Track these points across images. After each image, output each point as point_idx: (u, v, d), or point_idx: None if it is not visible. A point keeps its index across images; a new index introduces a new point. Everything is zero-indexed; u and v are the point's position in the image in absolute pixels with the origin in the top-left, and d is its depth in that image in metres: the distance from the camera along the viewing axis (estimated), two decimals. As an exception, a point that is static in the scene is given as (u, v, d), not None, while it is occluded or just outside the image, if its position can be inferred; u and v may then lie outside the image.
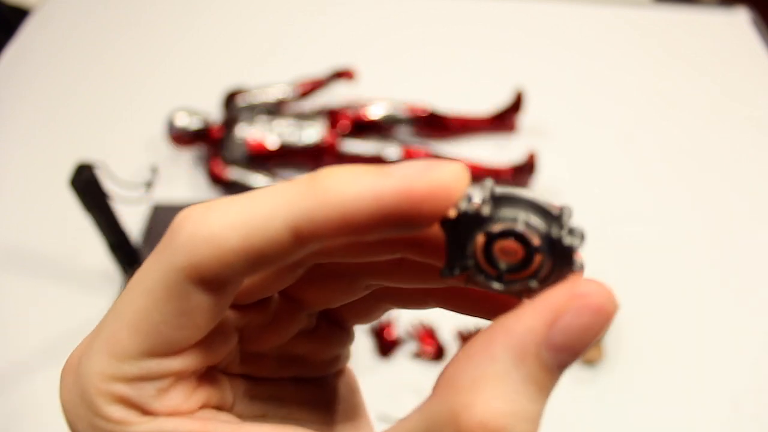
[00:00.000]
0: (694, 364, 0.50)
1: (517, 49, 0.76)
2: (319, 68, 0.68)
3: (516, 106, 0.63)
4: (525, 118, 0.66)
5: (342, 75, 0.66)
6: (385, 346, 0.50)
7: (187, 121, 0.59)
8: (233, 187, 0.58)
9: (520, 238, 0.14)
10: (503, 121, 0.64)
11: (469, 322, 0.51)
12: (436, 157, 0.59)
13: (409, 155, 0.59)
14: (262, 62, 0.74)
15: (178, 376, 0.15)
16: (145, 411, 0.15)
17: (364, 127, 0.61)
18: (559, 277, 0.15)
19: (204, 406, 0.16)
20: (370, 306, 0.19)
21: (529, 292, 0.15)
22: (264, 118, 0.60)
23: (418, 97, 0.65)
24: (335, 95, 0.67)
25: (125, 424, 0.15)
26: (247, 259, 0.14)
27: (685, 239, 0.58)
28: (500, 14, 0.80)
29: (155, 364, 0.15)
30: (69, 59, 0.75)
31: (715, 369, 0.49)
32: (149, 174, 0.43)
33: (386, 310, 0.19)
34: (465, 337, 0.51)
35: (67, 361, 0.17)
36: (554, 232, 0.14)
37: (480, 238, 0.15)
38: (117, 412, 0.15)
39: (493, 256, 0.15)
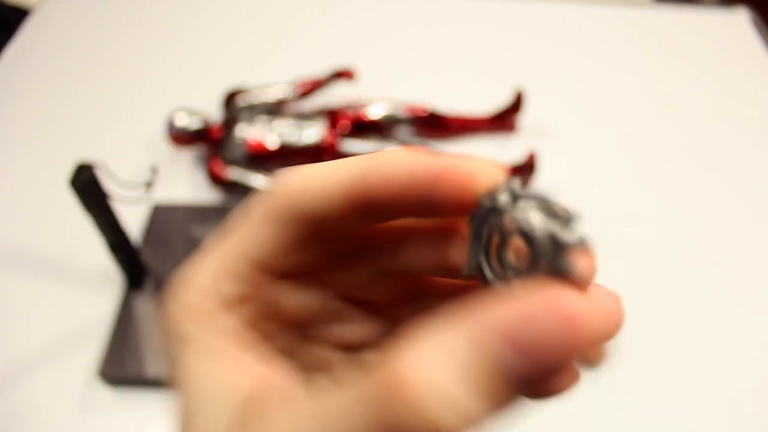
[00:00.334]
0: (694, 364, 0.50)
1: (517, 49, 0.76)
2: (319, 68, 0.68)
3: (516, 106, 0.63)
4: (525, 118, 0.66)
5: (342, 75, 0.66)
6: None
7: (187, 121, 0.59)
8: (233, 187, 0.58)
9: (527, 237, 0.14)
10: (503, 121, 0.64)
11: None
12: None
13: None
14: (262, 62, 0.74)
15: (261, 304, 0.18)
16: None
17: (364, 127, 0.61)
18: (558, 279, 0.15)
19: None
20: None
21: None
22: (264, 118, 0.60)
23: (418, 97, 0.65)
24: (335, 95, 0.67)
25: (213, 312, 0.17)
26: (331, 200, 0.18)
27: (685, 239, 0.58)
28: (500, 14, 0.80)
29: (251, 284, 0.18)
30: (69, 59, 0.75)
31: (715, 369, 0.49)
32: (149, 174, 0.43)
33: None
34: None
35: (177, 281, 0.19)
36: (561, 235, 0.14)
37: (493, 235, 0.15)
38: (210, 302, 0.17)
39: (505, 256, 0.15)
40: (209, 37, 0.77)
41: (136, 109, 0.69)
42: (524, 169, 0.59)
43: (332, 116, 0.60)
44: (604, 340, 0.13)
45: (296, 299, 0.19)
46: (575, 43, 0.77)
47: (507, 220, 0.15)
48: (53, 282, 0.54)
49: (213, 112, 0.65)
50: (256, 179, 0.58)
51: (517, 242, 0.15)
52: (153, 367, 0.47)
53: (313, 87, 0.65)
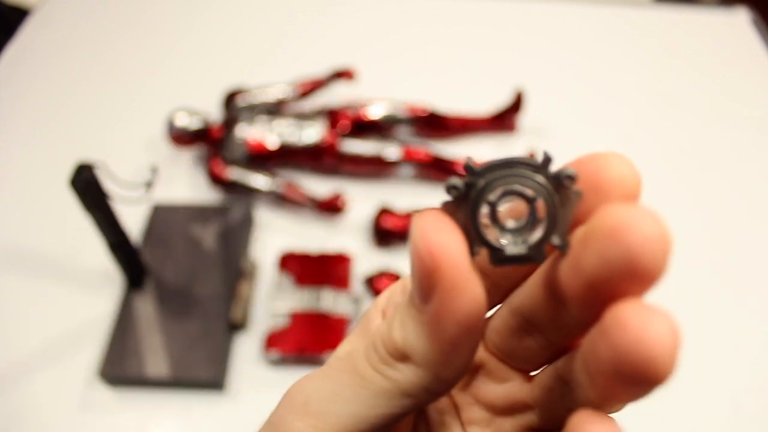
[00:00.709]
0: (694, 364, 0.50)
1: (517, 49, 0.76)
2: (319, 68, 0.68)
3: (516, 106, 0.63)
4: (525, 118, 0.66)
5: (342, 75, 0.66)
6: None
7: (187, 121, 0.59)
8: (233, 187, 0.58)
9: (518, 193, 0.15)
10: (503, 121, 0.64)
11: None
12: (438, 159, 0.59)
13: (409, 155, 0.59)
14: (262, 62, 0.74)
15: None
16: None
17: (364, 127, 0.61)
18: (568, 218, 0.15)
19: None
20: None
21: (560, 252, 0.15)
22: (264, 118, 0.60)
23: (418, 97, 0.65)
24: (335, 95, 0.67)
25: None
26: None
27: (685, 239, 0.58)
28: (500, 14, 0.80)
29: None
30: (69, 59, 0.75)
31: (715, 369, 0.49)
32: (149, 174, 0.43)
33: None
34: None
35: None
36: (543, 174, 0.15)
37: (482, 209, 0.15)
38: None
39: (502, 224, 0.16)
40: (209, 37, 0.77)
41: (136, 109, 0.69)
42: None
43: (332, 116, 0.60)
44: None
45: None
46: (575, 43, 0.77)
47: (490, 192, 0.15)
48: (53, 282, 0.54)
49: (213, 112, 0.65)
50: (256, 179, 0.58)
51: (507, 206, 0.16)
52: (153, 367, 0.47)
53: (313, 87, 0.65)
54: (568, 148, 0.64)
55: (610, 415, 0.14)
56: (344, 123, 0.60)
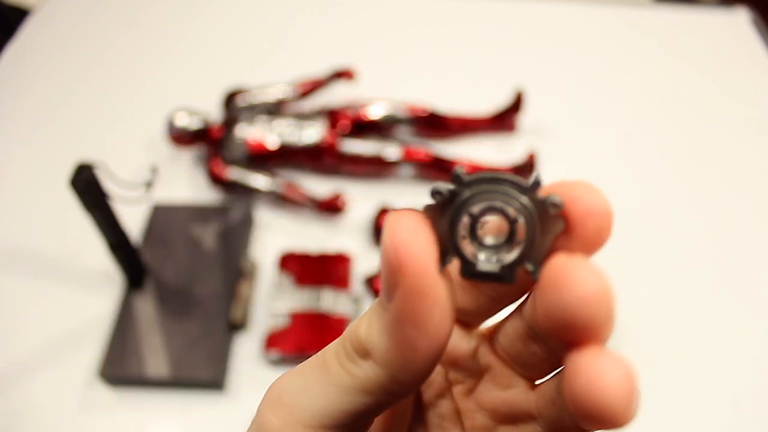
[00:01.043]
0: (694, 364, 0.50)
1: (517, 49, 0.76)
2: (319, 68, 0.68)
3: (516, 106, 0.63)
4: (525, 118, 0.66)
5: (342, 75, 0.66)
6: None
7: (187, 121, 0.59)
8: (233, 187, 0.58)
9: (500, 211, 0.15)
10: (503, 121, 0.64)
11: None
12: (437, 159, 0.59)
13: (409, 155, 0.59)
14: (262, 62, 0.74)
15: None
16: None
17: (364, 127, 0.61)
18: (546, 245, 0.15)
19: None
20: None
21: (531, 277, 0.15)
22: (264, 118, 0.60)
23: (418, 97, 0.65)
24: (335, 95, 0.67)
25: None
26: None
27: (685, 239, 0.58)
28: (500, 14, 0.80)
29: None
30: (69, 59, 0.75)
31: (715, 369, 0.49)
32: (149, 174, 0.43)
33: None
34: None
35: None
36: (529, 197, 0.15)
37: (462, 221, 0.15)
38: None
39: (479, 239, 0.16)
40: (209, 37, 0.77)
41: (136, 109, 0.69)
42: (524, 169, 0.59)
43: (332, 116, 0.60)
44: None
45: (461, 342, 0.19)
46: (575, 43, 0.77)
47: (473, 205, 0.15)
48: (53, 282, 0.54)
49: (213, 112, 0.65)
50: (256, 179, 0.58)
51: (488, 221, 0.15)
52: (153, 367, 0.47)
53: (313, 87, 0.65)
54: (568, 148, 0.64)
55: None
56: (344, 123, 0.60)
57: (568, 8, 0.81)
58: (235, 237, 0.54)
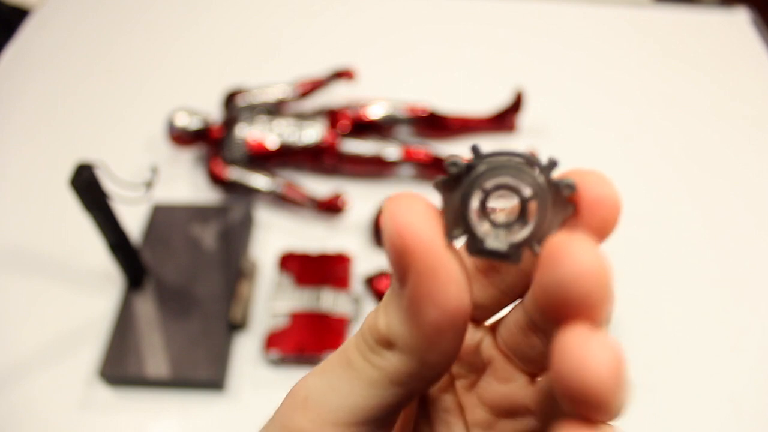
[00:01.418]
0: (694, 364, 0.50)
1: (517, 49, 0.76)
2: (319, 68, 0.68)
3: (516, 106, 0.63)
4: (525, 118, 0.66)
5: (342, 75, 0.66)
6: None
7: (187, 121, 0.59)
8: (233, 187, 0.58)
9: (513, 188, 0.15)
10: (503, 121, 0.64)
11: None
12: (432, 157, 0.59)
13: (409, 155, 0.59)
14: (262, 62, 0.74)
15: None
16: None
17: (364, 127, 0.61)
18: (553, 228, 0.15)
19: None
20: None
21: (534, 254, 0.15)
22: (264, 118, 0.60)
23: (418, 97, 0.65)
24: (335, 95, 0.67)
25: None
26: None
27: (686, 239, 0.58)
28: (500, 14, 0.80)
29: None
30: (69, 59, 0.75)
31: (715, 369, 0.49)
32: (149, 174, 0.43)
33: None
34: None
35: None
36: (544, 177, 0.15)
37: (475, 195, 0.15)
38: None
39: (489, 216, 0.15)
40: (209, 37, 0.77)
41: (136, 109, 0.69)
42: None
43: (332, 116, 0.61)
44: None
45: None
46: (575, 43, 0.77)
47: (486, 180, 0.15)
48: (53, 282, 0.54)
49: (213, 112, 0.65)
50: (256, 179, 0.58)
51: (500, 198, 0.15)
52: (153, 367, 0.47)
53: (313, 87, 0.65)
54: (568, 148, 0.64)
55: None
56: (344, 123, 0.60)
57: (568, 8, 0.81)
58: (235, 237, 0.54)
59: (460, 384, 0.20)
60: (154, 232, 0.55)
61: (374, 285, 0.51)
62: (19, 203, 0.60)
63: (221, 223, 0.55)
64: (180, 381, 0.47)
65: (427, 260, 0.13)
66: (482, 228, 0.15)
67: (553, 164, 0.15)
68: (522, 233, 0.15)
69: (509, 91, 0.65)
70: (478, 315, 0.19)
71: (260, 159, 0.59)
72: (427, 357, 0.15)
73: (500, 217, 0.15)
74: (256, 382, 0.48)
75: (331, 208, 0.57)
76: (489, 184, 0.15)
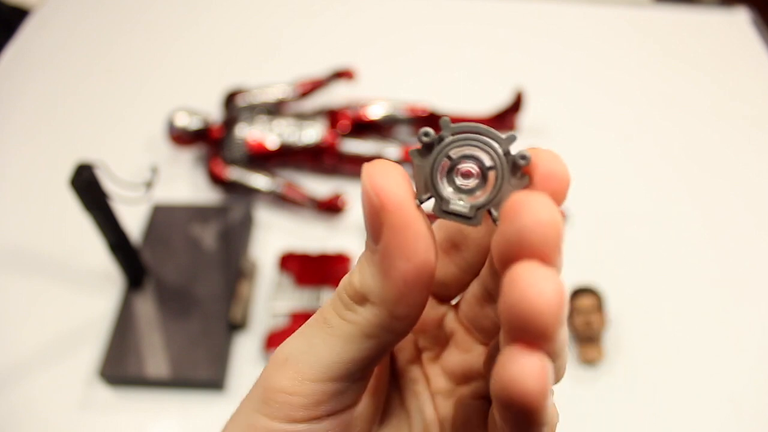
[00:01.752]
0: (694, 364, 0.50)
1: (517, 49, 0.76)
2: (319, 68, 0.68)
3: (516, 106, 0.63)
4: (525, 118, 0.66)
5: (342, 75, 0.66)
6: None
7: (187, 121, 0.59)
8: (233, 187, 0.58)
9: (476, 158, 0.17)
10: (503, 121, 0.64)
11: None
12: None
13: (409, 155, 0.59)
14: (262, 62, 0.74)
15: None
16: None
17: (364, 127, 0.61)
18: (510, 194, 0.17)
19: None
20: None
21: (493, 222, 0.17)
22: (264, 118, 0.60)
23: (418, 97, 0.65)
24: (335, 95, 0.67)
25: None
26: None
27: (686, 239, 0.58)
28: (500, 14, 0.80)
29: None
30: (69, 59, 0.75)
31: (715, 369, 0.49)
32: (149, 174, 0.43)
33: None
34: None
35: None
36: (504, 150, 0.17)
37: (443, 163, 0.17)
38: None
39: (455, 182, 0.18)
40: (209, 37, 0.77)
41: (136, 109, 0.69)
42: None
43: (332, 116, 0.61)
44: None
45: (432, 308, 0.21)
46: (575, 43, 0.77)
47: (453, 149, 0.17)
48: (53, 282, 0.54)
49: (213, 112, 0.65)
50: (256, 179, 0.58)
51: (465, 166, 0.17)
52: (153, 367, 0.47)
53: (313, 87, 0.65)
54: (568, 148, 0.64)
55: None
56: (344, 123, 0.60)
57: (568, 8, 0.81)
58: (235, 237, 0.54)
59: (426, 356, 0.22)
60: (154, 232, 0.55)
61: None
62: (19, 203, 0.60)
63: (221, 223, 0.55)
64: (180, 381, 0.47)
65: (399, 217, 0.15)
66: (448, 192, 0.17)
67: (511, 138, 0.17)
68: (482, 198, 0.17)
69: (509, 91, 0.65)
70: (441, 293, 0.21)
71: (260, 159, 0.59)
72: (397, 309, 0.16)
73: (463, 183, 0.17)
74: (256, 382, 0.48)
75: (331, 208, 0.57)
76: (455, 153, 0.17)
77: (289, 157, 0.60)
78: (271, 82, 0.64)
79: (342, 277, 0.18)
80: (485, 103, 0.66)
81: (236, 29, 0.78)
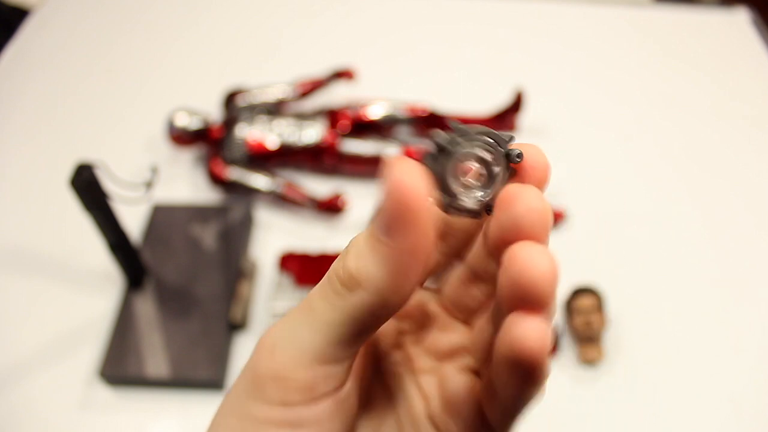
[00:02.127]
0: (694, 364, 0.50)
1: (517, 49, 0.76)
2: (319, 68, 0.68)
3: (516, 106, 0.63)
4: (525, 118, 0.66)
5: (342, 75, 0.66)
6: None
7: (187, 121, 0.59)
8: (233, 187, 0.58)
9: (483, 159, 0.19)
10: (503, 121, 0.64)
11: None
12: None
13: (409, 155, 0.59)
14: (262, 62, 0.74)
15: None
16: None
17: (364, 127, 0.61)
18: (503, 186, 0.18)
19: None
20: None
21: (487, 211, 0.19)
22: (264, 118, 0.60)
23: (418, 97, 0.65)
24: (335, 95, 0.67)
25: None
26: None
27: (686, 239, 0.58)
28: (500, 14, 0.80)
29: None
30: (69, 59, 0.75)
31: (715, 369, 0.49)
32: (149, 174, 0.43)
33: None
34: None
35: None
36: (503, 148, 0.19)
37: (452, 163, 0.19)
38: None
39: (462, 180, 0.19)
40: (209, 37, 0.77)
41: (136, 109, 0.69)
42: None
43: (332, 116, 0.61)
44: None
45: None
46: (575, 43, 0.77)
47: (463, 154, 0.19)
48: (53, 282, 0.54)
49: (213, 112, 0.65)
50: (256, 179, 0.58)
51: (472, 166, 0.19)
52: (153, 367, 0.47)
53: (313, 87, 0.65)
54: (568, 148, 0.64)
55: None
56: (344, 123, 0.60)
57: (568, 8, 0.81)
58: (235, 237, 0.54)
59: (408, 339, 0.23)
60: (154, 232, 0.55)
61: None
62: (19, 203, 0.60)
63: (221, 223, 0.55)
64: (180, 381, 0.47)
65: (420, 218, 0.16)
66: (456, 190, 0.19)
67: (511, 138, 0.19)
68: (484, 194, 0.19)
69: (509, 91, 0.65)
70: (423, 279, 0.22)
71: (260, 159, 0.59)
72: (391, 296, 0.17)
73: (471, 182, 0.19)
74: (256, 382, 0.48)
75: (331, 208, 0.57)
76: (463, 154, 0.19)
77: (289, 157, 0.60)
78: (271, 82, 0.64)
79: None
80: (485, 103, 0.66)
81: (236, 29, 0.78)
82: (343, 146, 0.59)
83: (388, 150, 0.59)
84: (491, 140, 0.19)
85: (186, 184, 0.61)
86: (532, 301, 0.16)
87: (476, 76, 0.72)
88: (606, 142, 0.66)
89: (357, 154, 0.59)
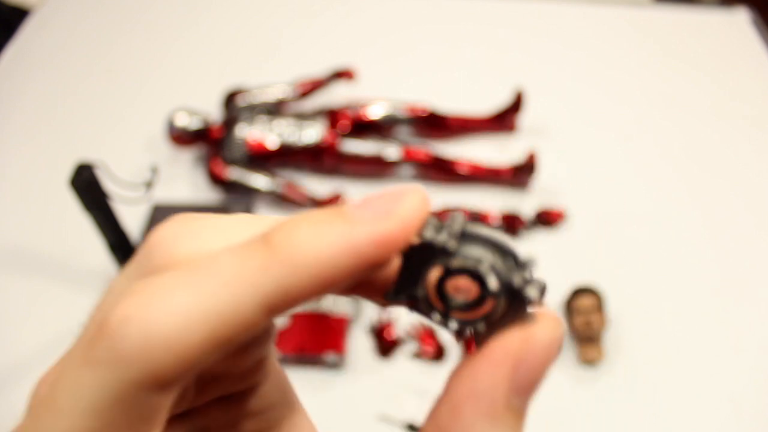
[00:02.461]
0: (694, 364, 0.50)
1: (517, 49, 0.76)
2: (319, 68, 0.68)
3: (516, 106, 0.63)
4: (525, 118, 0.66)
5: (342, 75, 0.66)
6: (385, 346, 0.50)
7: (187, 121, 0.59)
8: (233, 187, 0.58)
9: (478, 278, 0.14)
10: (503, 121, 0.64)
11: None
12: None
13: (409, 155, 0.59)
14: (262, 62, 0.74)
15: None
16: None
17: (364, 127, 0.61)
18: (508, 323, 0.14)
19: None
20: None
21: (476, 335, 0.14)
22: (264, 118, 0.60)
23: (418, 97, 0.65)
24: (335, 95, 0.67)
25: None
26: (213, 349, 0.13)
27: (686, 239, 0.58)
28: (500, 14, 0.80)
29: None
30: (69, 59, 0.75)
31: (714, 369, 0.49)
32: (149, 174, 0.43)
33: None
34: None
35: None
36: (516, 280, 0.14)
37: (437, 271, 0.14)
38: None
39: (444, 290, 0.14)
40: (209, 37, 0.77)
41: (136, 109, 0.69)
42: (524, 169, 0.59)
43: (332, 116, 0.61)
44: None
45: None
46: (575, 43, 0.77)
47: (455, 259, 0.14)
48: (53, 282, 0.54)
49: (213, 112, 0.65)
50: (256, 179, 0.58)
51: (461, 280, 0.14)
52: (153, 367, 0.46)
53: (313, 87, 0.65)
54: (568, 148, 0.64)
55: None
56: (344, 123, 0.60)
57: (568, 8, 0.81)
58: (235, 237, 0.54)
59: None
60: (154, 232, 0.55)
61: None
62: (19, 203, 0.60)
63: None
64: (180, 381, 0.47)
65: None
66: (432, 303, 0.14)
67: (530, 263, 0.14)
68: (471, 316, 0.14)
69: (509, 91, 0.65)
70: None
71: (260, 159, 0.59)
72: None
73: (454, 301, 0.14)
74: (256, 382, 0.48)
75: (331, 208, 0.57)
76: (456, 264, 0.14)
77: (289, 157, 0.60)
78: (271, 82, 0.64)
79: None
80: (485, 103, 0.66)
81: (236, 29, 0.78)
82: (343, 146, 0.59)
83: (388, 150, 0.59)
84: (499, 257, 0.14)
85: (186, 184, 0.61)
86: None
87: (476, 76, 0.72)
88: (606, 142, 0.66)
89: (357, 154, 0.59)
